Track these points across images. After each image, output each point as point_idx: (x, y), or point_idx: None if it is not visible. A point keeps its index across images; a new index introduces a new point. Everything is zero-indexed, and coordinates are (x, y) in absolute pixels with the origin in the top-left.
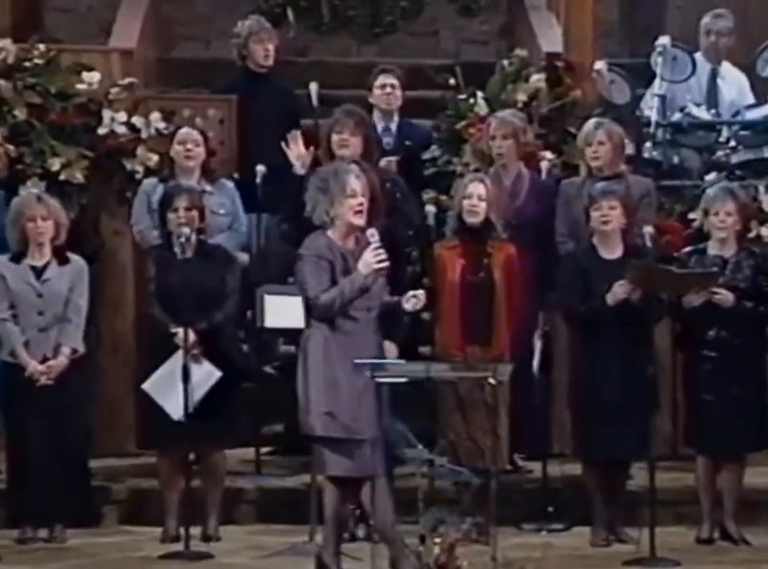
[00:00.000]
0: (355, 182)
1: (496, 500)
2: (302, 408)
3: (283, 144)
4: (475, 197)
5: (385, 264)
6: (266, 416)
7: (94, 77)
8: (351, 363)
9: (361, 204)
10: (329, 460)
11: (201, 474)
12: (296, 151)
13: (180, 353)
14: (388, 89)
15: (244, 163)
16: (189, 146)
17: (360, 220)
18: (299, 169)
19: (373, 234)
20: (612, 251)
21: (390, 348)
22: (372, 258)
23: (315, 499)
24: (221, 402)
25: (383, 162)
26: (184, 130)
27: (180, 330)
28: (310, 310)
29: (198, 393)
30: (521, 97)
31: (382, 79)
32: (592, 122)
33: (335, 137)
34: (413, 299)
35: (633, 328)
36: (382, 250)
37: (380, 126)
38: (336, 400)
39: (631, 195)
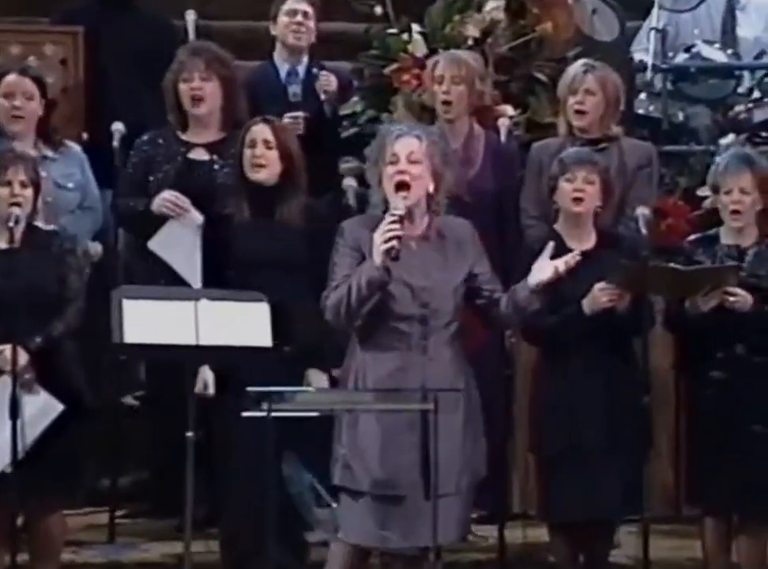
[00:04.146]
0: (399, 144)
1: None
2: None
3: None
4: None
5: (393, 243)
6: (124, 464)
7: None
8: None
9: (402, 172)
10: (344, 521)
11: (30, 544)
12: None
13: (6, 379)
14: (299, 17)
15: (95, 120)
16: (17, 102)
17: (402, 195)
18: None
19: (396, 207)
20: (584, 241)
21: (316, 376)
22: (380, 237)
23: None
24: (62, 446)
25: (286, 119)
26: (11, 79)
27: (6, 348)
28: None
29: (32, 433)
30: (472, 32)
31: (291, 3)
32: (579, 63)
33: (183, 87)
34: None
35: (618, 343)
36: (395, 225)
37: (284, 70)
38: (356, 441)
39: (624, 166)
